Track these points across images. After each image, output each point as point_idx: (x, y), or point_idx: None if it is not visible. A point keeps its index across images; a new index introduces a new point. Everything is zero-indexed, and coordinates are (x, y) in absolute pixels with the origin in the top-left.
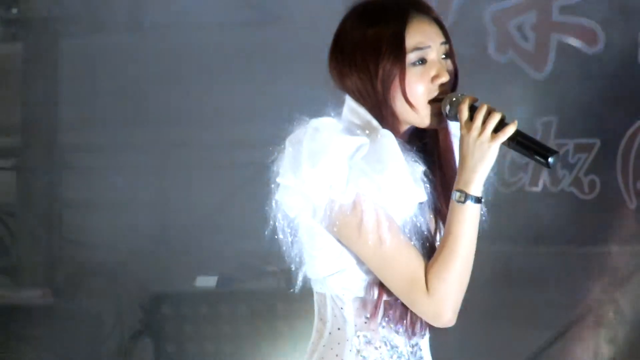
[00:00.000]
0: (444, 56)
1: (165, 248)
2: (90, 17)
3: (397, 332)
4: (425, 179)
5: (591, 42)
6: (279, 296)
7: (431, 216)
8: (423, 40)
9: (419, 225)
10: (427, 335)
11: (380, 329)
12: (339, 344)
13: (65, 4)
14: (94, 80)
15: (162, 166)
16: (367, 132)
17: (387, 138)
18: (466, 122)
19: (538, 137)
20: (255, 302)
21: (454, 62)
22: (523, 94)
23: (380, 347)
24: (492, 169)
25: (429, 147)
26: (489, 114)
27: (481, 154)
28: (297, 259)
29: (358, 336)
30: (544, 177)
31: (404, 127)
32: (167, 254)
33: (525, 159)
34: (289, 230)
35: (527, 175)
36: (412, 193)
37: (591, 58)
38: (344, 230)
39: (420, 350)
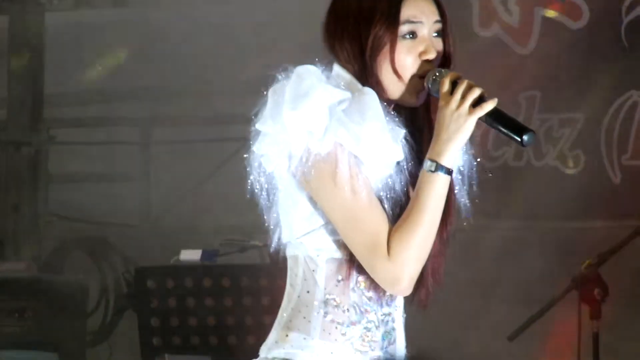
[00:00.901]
0: (435, 34)
1: (149, 222)
2: None
3: (368, 299)
4: (404, 142)
5: (575, 17)
6: (263, 270)
7: (408, 182)
8: (416, 14)
9: (393, 186)
10: (401, 308)
11: (351, 293)
12: (307, 306)
13: None
14: (79, 55)
15: (147, 141)
16: (350, 89)
17: (370, 95)
18: (445, 94)
19: (522, 111)
20: (239, 276)
21: (446, 42)
22: (507, 69)
23: (348, 310)
24: (474, 142)
25: (410, 122)
26: (469, 88)
27: (457, 126)
28: (274, 219)
29: (327, 299)
30: (529, 151)
31: (388, 99)
32: (151, 228)
33: None
34: (266, 187)
35: (511, 150)
36: (390, 150)
37: (575, 33)
38: (318, 181)
39: (393, 321)
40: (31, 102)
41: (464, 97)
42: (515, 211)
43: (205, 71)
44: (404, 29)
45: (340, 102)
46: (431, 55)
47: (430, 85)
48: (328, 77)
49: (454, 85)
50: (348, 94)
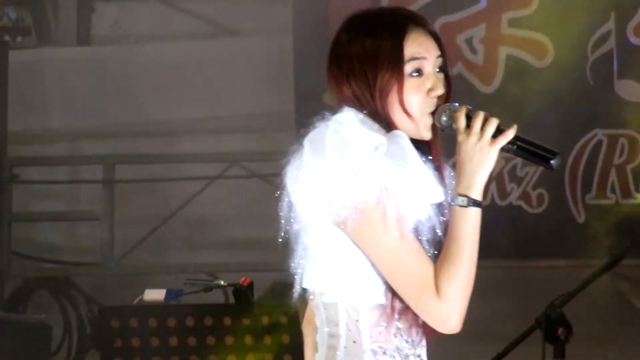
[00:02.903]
0: (438, 69)
1: (113, 261)
2: (39, 30)
3: (406, 342)
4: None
5: (540, 55)
6: (227, 310)
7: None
8: (420, 50)
9: (434, 227)
10: (426, 347)
11: (393, 338)
12: (356, 356)
13: (14, 15)
14: (42, 92)
15: (110, 180)
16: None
17: (403, 138)
18: (464, 128)
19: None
20: (203, 315)
21: (448, 76)
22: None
23: (395, 356)
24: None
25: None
26: (486, 120)
27: (481, 158)
28: (299, 267)
29: (374, 349)
30: (492, 190)
31: None
32: (115, 267)
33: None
34: (300, 234)
35: None
36: (432, 191)
37: (540, 71)
38: (363, 225)
39: None
40: None
41: (482, 128)
42: (479, 250)
43: (168, 109)
44: (408, 67)
45: (379, 145)
46: (440, 92)
47: (442, 122)
48: (363, 122)
49: (469, 118)
50: (384, 138)
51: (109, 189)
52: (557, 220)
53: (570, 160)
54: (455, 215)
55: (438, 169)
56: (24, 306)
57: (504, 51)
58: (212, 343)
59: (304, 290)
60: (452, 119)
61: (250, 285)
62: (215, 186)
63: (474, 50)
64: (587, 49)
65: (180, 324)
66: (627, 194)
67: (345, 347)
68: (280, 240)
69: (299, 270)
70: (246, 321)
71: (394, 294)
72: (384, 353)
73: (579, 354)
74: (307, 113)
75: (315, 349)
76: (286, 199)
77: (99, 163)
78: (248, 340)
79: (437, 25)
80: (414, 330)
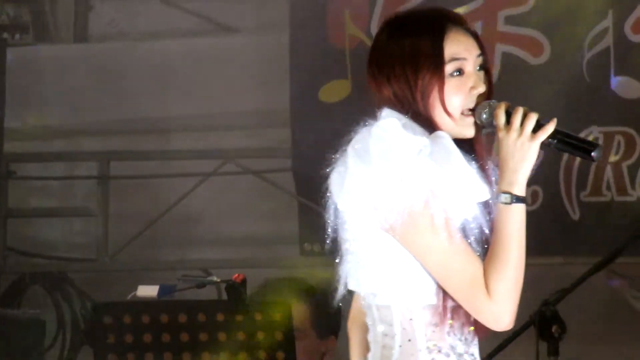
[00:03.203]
0: (479, 68)
1: (107, 257)
2: (37, 27)
3: (459, 341)
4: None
5: (536, 53)
6: (220, 306)
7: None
8: (460, 51)
9: (481, 225)
10: (477, 345)
11: (447, 337)
12: (412, 355)
13: (12, 13)
14: (39, 89)
15: (105, 176)
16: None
17: (446, 139)
18: (504, 125)
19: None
20: (196, 312)
21: (489, 74)
22: None
23: (449, 354)
24: None
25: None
26: (525, 115)
27: (522, 154)
28: (344, 271)
29: (429, 346)
30: None
31: None
32: (109, 263)
33: None
34: (348, 240)
35: None
36: (477, 190)
37: (536, 68)
38: (412, 228)
39: (476, 359)
40: None
41: (522, 124)
42: None
43: (164, 106)
44: (449, 67)
45: (423, 149)
46: (481, 89)
47: (483, 119)
48: (406, 127)
49: (508, 114)
50: (427, 140)
51: (104, 185)
52: (552, 217)
53: (565, 157)
54: (499, 213)
55: (482, 167)
56: (19, 302)
57: (500, 48)
58: (205, 339)
59: (350, 293)
60: (492, 115)
61: (244, 282)
62: (209, 183)
63: None
64: (584, 46)
65: (173, 320)
66: (622, 191)
67: (400, 346)
68: (327, 247)
69: (343, 274)
70: (239, 318)
71: (445, 293)
72: (439, 351)
73: (573, 351)
74: (302, 111)
75: (364, 347)
76: (332, 206)
77: (95, 160)
78: (241, 336)
79: None
80: (466, 329)
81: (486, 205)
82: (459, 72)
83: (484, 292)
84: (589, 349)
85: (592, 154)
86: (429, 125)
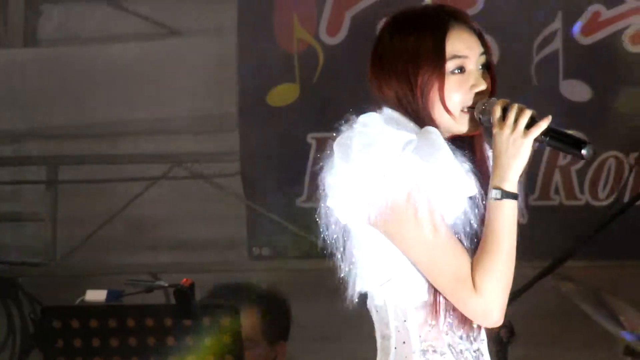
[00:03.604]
0: (482, 66)
1: (56, 262)
2: None
3: (460, 338)
4: (472, 175)
5: None
6: (168, 311)
7: (482, 214)
8: (462, 49)
9: (470, 221)
10: (485, 341)
11: (444, 336)
12: (406, 357)
13: None
14: None
15: (54, 181)
16: (412, 130)
17: (435, 134)
18: (499, 120)
19: None
20: (144, 316)
21: (492, 72)
22: None
23: (445, 353)
24: None
25: (466, 156)
26: (520, 111)
27: (515, 150)
28: (349, 270)
29: (424, 348)
30: None
31: (443, 135)
32: (58, 268)
33: None
34: (342, 239)
35: None
36: (464, 185)
37: None
38: (398, 224)
39: (482, 355)
40: None
41: (516, 120)
42: None
43: (112, 111)
44: (451, 65)
45: (408, 143)
46: (482, 87)
47: (481, 116)
48: (389, 122)
49: (505, 111)
50: (413, 135)
51: (53, 189)
52: None
53: None
54: (490, 209)
55: (480, 164)
56: None
57: None
58: (153, 344)
59: (361, 294)
60: (489, 112)
61: (192, 286)
62: (158, 187)
63: None
64: (533, 49)
65: (121, 324)
66: (571, 195)
67: (395, 348)
68: (319, 246)
69: (351, 275)
70: (187, 322)
71: (437, 290)
72: (434, 351)
73: (521, 356)
74: (250, 114)
75: None
76: (322, 205)
77: (43, 164)
78: (189, 341)
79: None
80: (468, 325)
81: (477, 200)
82: (460, 70)
83: (470, 286)
84: (538, 352)
85: (583, 151)
86: (428, 124)
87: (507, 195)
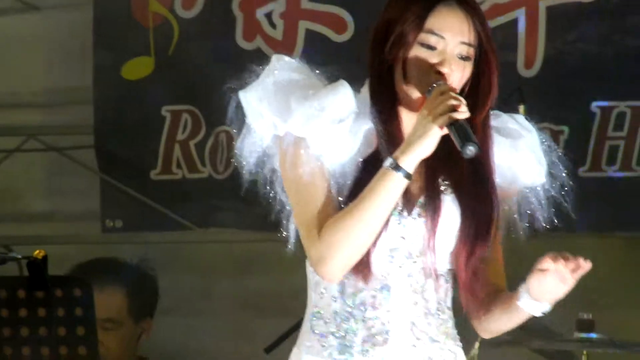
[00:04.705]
0: (461, 56)
1: None
2: None
3: (350, 306)
4: (367, 137)
5: (340, 29)
6: (21, 283)
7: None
8: (441, 27)
9: (344, 172)
10: (402, 311)
11: (332, 302)
12: (305, 321)
13: None
14: None
15: None
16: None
17: (343, 86)
18: (426, 100)
19: None
20: None
21: (483, 72)
22: None
23: (329, 320)
24: None
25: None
26: (448, 99)
27: (423, 131)
28: (286, 212)
29: (314, 312)
30: None
31: (400, 112)
32: None
33: None
34: (269, 180)
35: None
36: (340, 139)
37: (340, 45)
38: (280, 167)
39: (383, 325)
40: None
41: (437, 105)
42: None
43: None
44: (423, 36)
45: (300, 88)
46: (444, 69)
47: (427, 96)
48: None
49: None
50: (320, 84)
51: None
52: None
53: None
54: (378, 174)
55: (397, 135)
56: None
57: (303, 26)
58: (5, 315)
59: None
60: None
61: (45, 258)
62: (12, 159)
63: (273, 25)
64: None
65: None
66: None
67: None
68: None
69: (284, 215)
70: (40, 294)
71: None
72: (320, 318)
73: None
74: (105, 87)
75: None
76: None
77: None
78: (41, 312)
79: (234, 1)
80: (366, 292)
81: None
82: (430, 47)
83: (316, 231)
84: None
85: (464, 147)
86: (387, 90)
87: (396, 167)
